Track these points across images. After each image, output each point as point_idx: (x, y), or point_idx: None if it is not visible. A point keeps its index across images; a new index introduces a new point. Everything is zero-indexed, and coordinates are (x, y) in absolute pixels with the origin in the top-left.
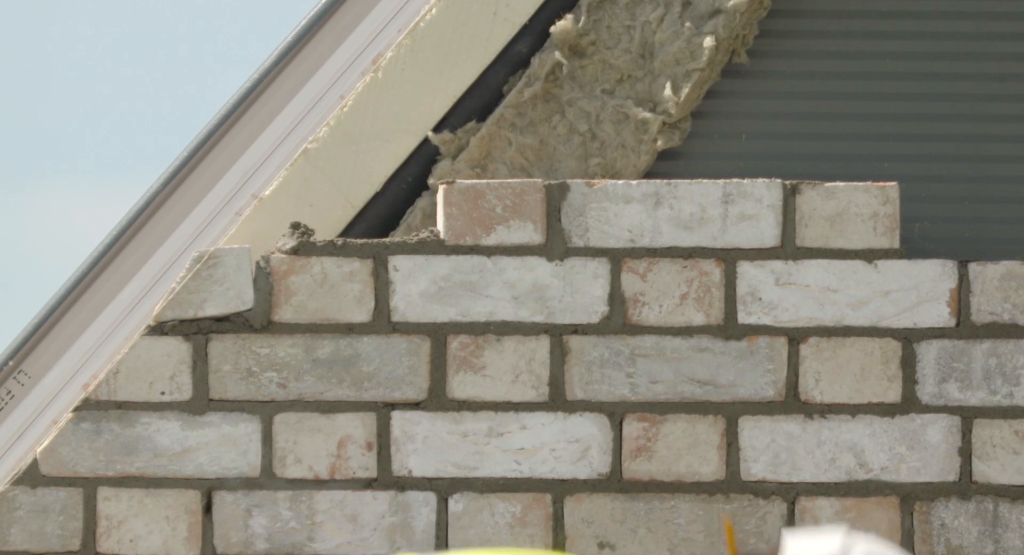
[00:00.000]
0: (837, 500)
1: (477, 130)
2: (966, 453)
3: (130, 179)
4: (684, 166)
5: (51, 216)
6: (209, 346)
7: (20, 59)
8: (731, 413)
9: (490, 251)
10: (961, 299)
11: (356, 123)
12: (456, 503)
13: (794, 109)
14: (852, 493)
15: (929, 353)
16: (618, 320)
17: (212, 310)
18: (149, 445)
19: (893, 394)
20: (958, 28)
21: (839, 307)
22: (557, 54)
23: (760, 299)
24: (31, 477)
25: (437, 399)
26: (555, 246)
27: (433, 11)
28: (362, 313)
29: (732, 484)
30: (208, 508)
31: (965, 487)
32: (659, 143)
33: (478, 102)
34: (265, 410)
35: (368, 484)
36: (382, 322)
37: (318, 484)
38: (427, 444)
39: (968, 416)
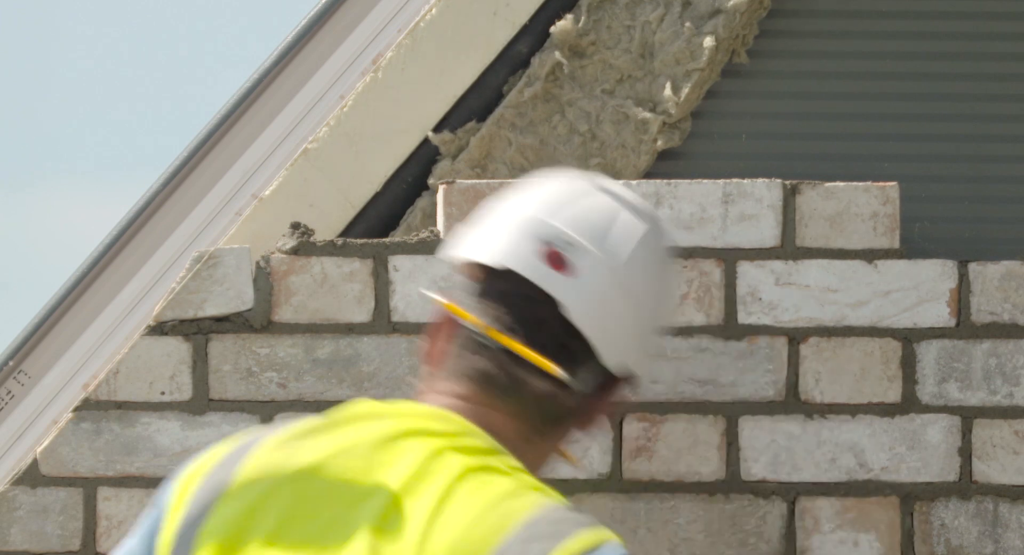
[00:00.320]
0: (837, 500)
1: (477, 130)
2: (966, 453)
3: (130, 179)
4: (684, 166)
5: (51, 216)
6: (209, 346)
7: (20, 59)
8: (731, 413)
9: None
10: (961, 299)
11: (356, 123)
12: None
13: (794, 109)
14: (852, 493)
15: (929, 353)
16: None
17: (212, 310)
18: (149, 445)
19: (893, 394)
20: (958, 28)
21: (839, 307)
22: (557, 54)
23: (760, 299)
24: (31, 477)
25: None
26: None
27: (433, 11)
28: (362, 313)
29: (732, 484)
30: None
31: (965, 487)
32: (659, 143)
33: (478, 102)
34: (265, 410)
35: None
36: (382, 322)
37: None
38: None
39: (968, 416)
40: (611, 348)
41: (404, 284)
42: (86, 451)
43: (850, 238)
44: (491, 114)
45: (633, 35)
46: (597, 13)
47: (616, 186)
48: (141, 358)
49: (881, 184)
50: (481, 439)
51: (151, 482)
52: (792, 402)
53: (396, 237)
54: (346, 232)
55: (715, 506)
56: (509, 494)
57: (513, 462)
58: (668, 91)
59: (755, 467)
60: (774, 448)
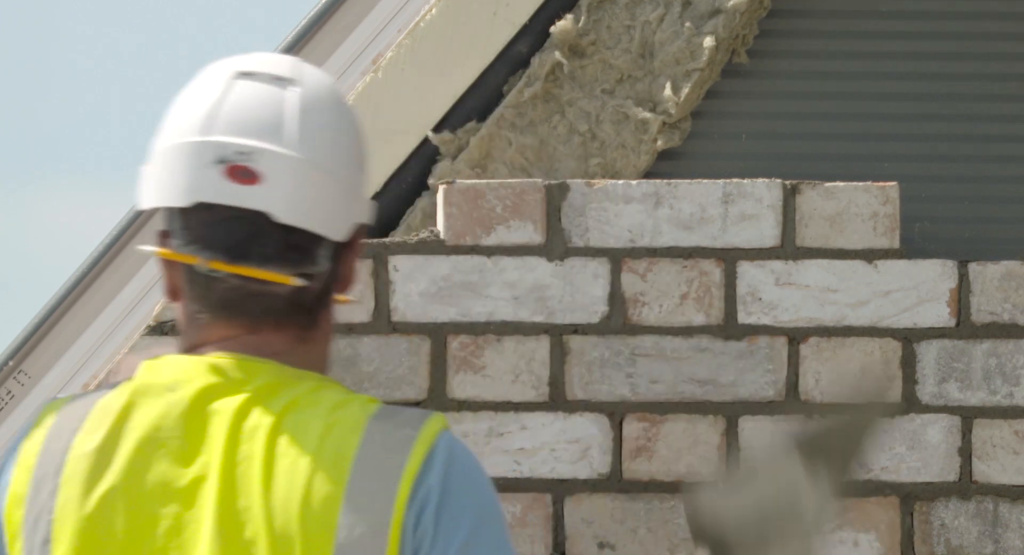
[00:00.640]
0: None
1: (477, 130)
2: (966, 453)
3: (130, 179)
4: (684, 166)
5: (51, 216)
6: None
7: (20, 59)
8: (731, 413)
9: (490, 251)
10: (961, 299)
11: None
12: None
13: (794, 109)
14: (852, 493)
15: (929, 353)
16: (618, 320)
17: None
18: None
19: (893, 394)
20: (958, 28)
21: (839, 307)
22: (557, 54)
23: (760, 299)
24: None
25: (437, 399)
26: (555, 246)
27: (433, 11)
28: (362, 313)
29: None
30: None
31: (965, 487)
32: (659, 143)
33: (478, 102)
34: None
35: None
36: (382, 322)
37: None
38: None
39: (968, 416)
40: (333, 224)
41: (404, 284)
42: None
43: (850, 238)
44: (491, 114)
45: (633, 35)
46: (597, 13)
47: (251, 63)
48: (141, 358)
49: (881, 184)
50: (268, 372)
51: None
52: (792, 402)
53: (396, 237)
54: None
55: None
56: (327, 429)
57: (306, 378)
58: (668, 91)
59: None
60: None
